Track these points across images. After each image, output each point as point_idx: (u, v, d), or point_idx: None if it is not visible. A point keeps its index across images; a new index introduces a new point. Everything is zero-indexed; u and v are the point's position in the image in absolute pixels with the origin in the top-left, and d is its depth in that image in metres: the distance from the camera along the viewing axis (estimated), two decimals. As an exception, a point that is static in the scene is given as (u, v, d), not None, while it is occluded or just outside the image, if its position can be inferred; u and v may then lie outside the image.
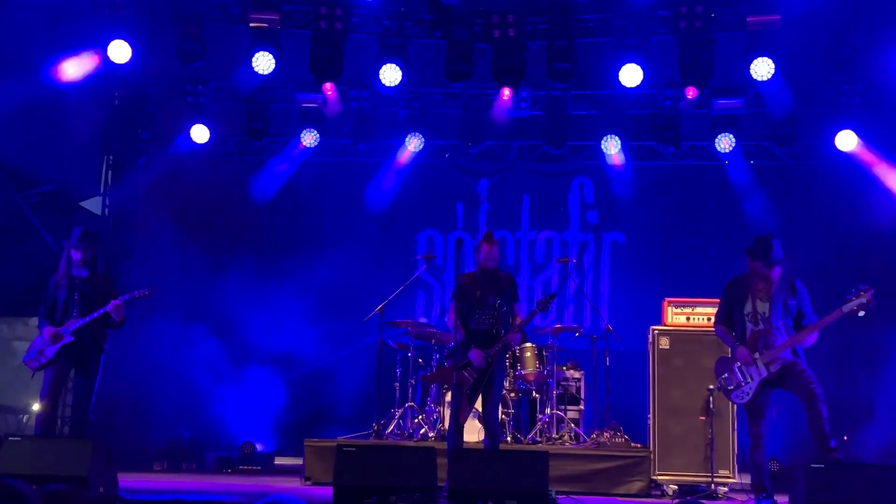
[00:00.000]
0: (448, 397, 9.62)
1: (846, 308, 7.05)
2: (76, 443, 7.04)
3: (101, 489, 6.93)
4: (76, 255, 8.02)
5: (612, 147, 12.46)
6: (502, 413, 10.04)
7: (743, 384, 7.31)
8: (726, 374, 7.43)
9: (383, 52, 11.76)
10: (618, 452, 9.54)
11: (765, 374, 7.23)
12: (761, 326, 7.29)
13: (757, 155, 12.70)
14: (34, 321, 13.89)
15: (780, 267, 7.31)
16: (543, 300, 8.17)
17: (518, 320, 8.07)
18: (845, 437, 7.97)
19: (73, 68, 11.40)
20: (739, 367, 7.33)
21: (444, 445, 8.16)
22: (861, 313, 7.03)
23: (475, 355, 7.84)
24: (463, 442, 8.12)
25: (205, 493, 8.73)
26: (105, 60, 11.42)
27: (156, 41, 11.86)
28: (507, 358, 10.45)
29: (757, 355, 7.24)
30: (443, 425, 9.87)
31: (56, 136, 11.91)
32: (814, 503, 6.49)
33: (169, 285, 12.38)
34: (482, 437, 8.47)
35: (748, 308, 7.37)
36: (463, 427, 8.08)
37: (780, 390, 7.41)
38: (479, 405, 8.19)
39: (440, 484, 7.08)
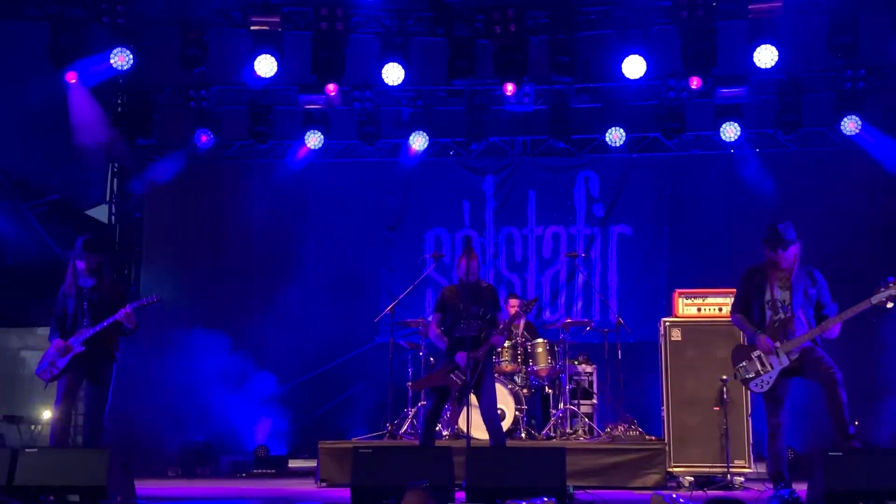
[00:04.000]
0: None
1: (874, 299, 7.00)
2: (93, 453, 7.03)
3: (119, 498, 6.93)
4: (81, 264, 8.00)
5: (616, 139, 12.42)
6: (516, 410, 10.05)
7: (762, 373, 7.26)
8: (744, 363, 7.35)
9: (385, 51, 11.74)
10: (633, 445, 9.53)
11: (786, 363, 7.16)
12: (782, 315, 7.24)
13: (762, 143, 12.68)
14: (42, 331, 13.93)
15: (795, 247, 7.22)
16: (526, 304, 8.28)
17: (502, 323, 8.14)
18: (856, 423, 7.96)
19: (76, 77, 11.38)
20: (759, 356, 7.27)
21: (461, 444, 8.17)
22: (889, 305, 6.98)
23: (461, 357, 7.91)
24: (434, 442, 8.27)
25: (221, 498, 8.75)
26: (108, 68, 11.39)
27: (158, 47, 11.86)
28: (520, 354, 10.49)
29: (778, 344, 7.19)
30: (455, 424, 9.86)
31: (61, 146, 11.90)
32: (832, 491, 6.47)
33: (177, 290, 12.39)
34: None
35: (768, 296, 7.30)
36: (435, 429, 8.30)
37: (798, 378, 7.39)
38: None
39: (458, 482, 7.09)
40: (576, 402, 10.56)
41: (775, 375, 7.23)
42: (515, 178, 13.37)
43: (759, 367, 7.29)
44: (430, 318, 9.29)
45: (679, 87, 11.93)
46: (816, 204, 12.23)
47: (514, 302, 10.73)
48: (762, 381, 7.28)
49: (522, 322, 10.87)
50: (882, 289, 7.00)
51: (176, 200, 13.33)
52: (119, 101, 12.82)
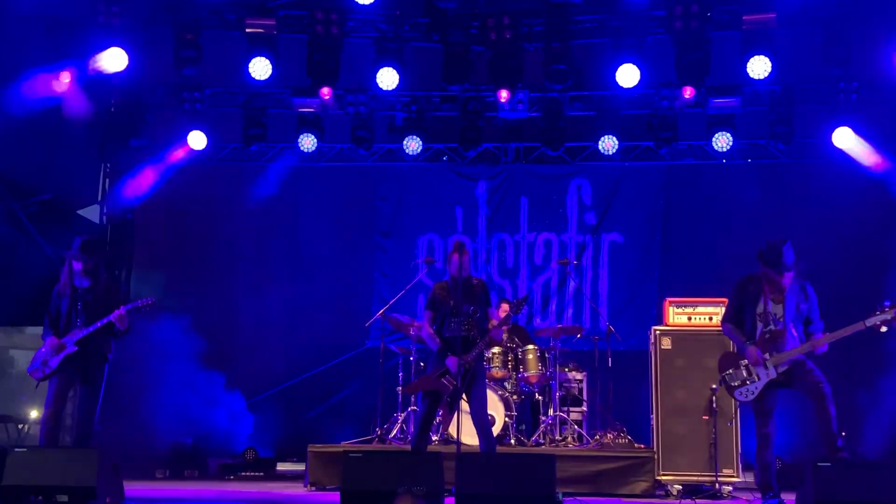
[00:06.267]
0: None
1: (869, 322, 7.07)
2: (83, 453, 7.02)
3: (108, 499, 6.92)
4: (77, 265, 7.98)
5: (609, 148, 12.46)
6: (506, 416, 10.06)
7: (748, 382, 7.32)
8: (731, 371, 7.42)
9: (380, 55, 11.78)
10: (621, 453, 9.55)
11: (773, 375, 7.23)
12: (772, 327, 7.29)
13: (754, 153, 12.72)
14: (32, 330, 13.88)
15: (793, 271, 7.31)
16: (516, 303, 8.31)
17: (493, 324, 8.15)
18: (843, 433, 8.04)
19: (69, 77, 11.36)
20: (746, 366, 7.33)
21: (451, 449, 8.18)
22: (883, 329, 7.07)
23: (452, 362, 7.91)
24: (427, 446, 8.29)
25: (209, 500, 8.75)
26: (101, 68, 11.38)
27: (152, 48, 11.85)
28: (510, 360, 10.50)
29: (767, 356, 7.25)
30: (446, 429, 9.87)
31: (53, 146, 11.88)
32: (821, 501, 6.51)
33: (168, 292, 12.37)
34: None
35: (760, 308, 7.36)
36: (429, 433, 8.42)
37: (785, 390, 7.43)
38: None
39: (448, 488, 7.10)
40: (565, 409, 10.56)
41: (761, 386, 7.29)
42: (508, 185, 13.38)
43: (745, 376, 7.35)
44: (420, 323, 9.36)
45: (672, 96, 11.97)
46: (807, 215, 12.27)
47: (505, 307, 10.74)
48: (747, 391, 7.34)
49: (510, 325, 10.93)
50: (878, 312, 7.06)
51: (168, 202, 13.29)
52: (112, 102, 12.78)
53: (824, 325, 7.38)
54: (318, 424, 12.67)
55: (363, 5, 11.56)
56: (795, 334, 7.30)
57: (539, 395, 10.71)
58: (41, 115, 11.43)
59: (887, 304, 7.07)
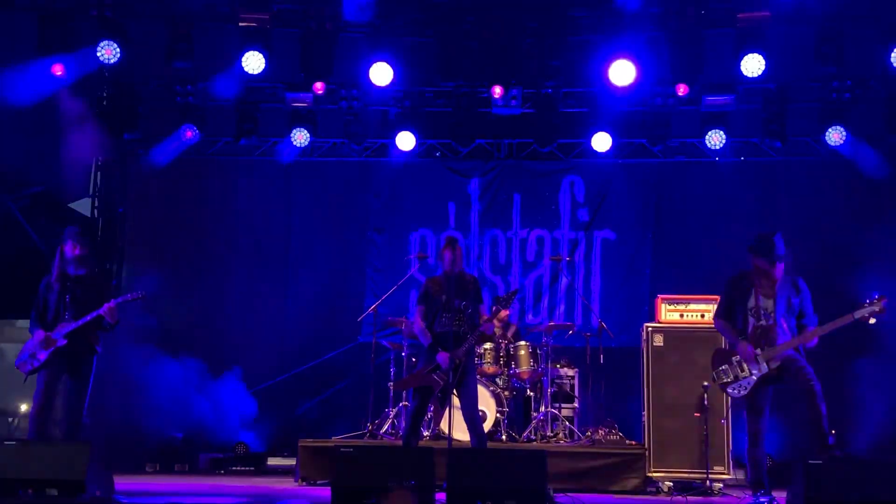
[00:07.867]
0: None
1: (857, 314, 7.07)
2: (72, 446, 6.99)
3: (98, 493, 6.90)
4: (75, 250, 7.90)
5: (602, 145, 12.45)
6: (497, 412, 10.06)
7: (741, 378, 7.33)
8: (724, 367, 7.44)
9: (373, 50, 11.73)
10: (613, 450, 9.57)
11: (765, 370, 7.24)
12: (764, 322, 7.31)
13: (747, 151, 12.74)
14: (22, 323, 13.81)
15: (783, 263, 7.32)
16: (505, 297, 8.35)
17: (484, 318, 8.18)
18: (833, 432, 8.06)
19: (62, 70, 11.31)
20: (738, 361, 7.34)
21: (442, 444, 8.19)
22: (872, 321, 7.08)
23: (443, 358, 7.92)
24: (418, 442, 8.31)
25: (199, 494, 8.73)
26: (94, 61, 11.33)
27: (144, 41, 11.79)
28: (502, 357, 10.50)
29: (759, 351, 7.25)
30: (437, 425, 9.86)
31: (45, 138, 11.82)
32: (812, 499, 6.51)
33: (159, 286, 12.31)
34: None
35: (751, 303, 7.38)
36: (420, 428, 8.43)
37: (776, 386, 7.44)
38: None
39: (439, 483, 7.09)
40: (557, 405, 10.57)
41: (754, 381, 7.29)
42: (501, 181, 13.36)
43: (738, 371, 7.36)
44: (412, 319, 9.35)
45: (666, 93, 11.97)
46: (799, 213, 12.30)
47: (504, 314, 10.76)
48: (740, 386, 7.35)
49: (512, 329, 10.98)
50: (867, 304, 7.07)
51: (159, 196, 13.27)
52: (104, 95, 12.71)
53: (818, 319, 7.38)
54: (310, 419, 12.67)
55: (357, 0, 11.52)
56: (786, 328, 7.31)
57: (531, 391, 10.72)
58: (33, 108, 11.38)
59: (875, 295, 7.08)
